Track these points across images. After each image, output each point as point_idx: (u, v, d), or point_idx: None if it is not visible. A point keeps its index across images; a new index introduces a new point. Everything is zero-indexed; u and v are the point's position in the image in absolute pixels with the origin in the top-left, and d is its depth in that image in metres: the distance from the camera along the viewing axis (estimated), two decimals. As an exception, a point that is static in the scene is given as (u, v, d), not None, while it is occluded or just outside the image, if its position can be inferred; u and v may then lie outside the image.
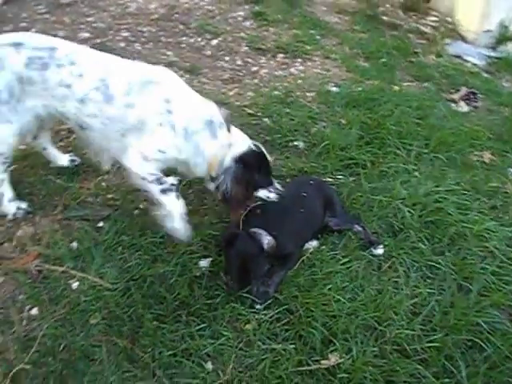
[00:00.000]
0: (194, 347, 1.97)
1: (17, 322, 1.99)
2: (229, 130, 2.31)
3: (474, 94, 4.54)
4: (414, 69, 4.84)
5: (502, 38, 6.04)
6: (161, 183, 2.26)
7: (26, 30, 4.10)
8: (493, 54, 5.90)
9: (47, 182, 2.65)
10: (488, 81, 5.06)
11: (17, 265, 2.21)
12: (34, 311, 2.05)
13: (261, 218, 2.34)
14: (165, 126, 2.18)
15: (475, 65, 5.53)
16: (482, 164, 3.41)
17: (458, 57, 5.67)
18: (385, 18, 5.83)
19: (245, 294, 2.15)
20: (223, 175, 2.29)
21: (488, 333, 2.15)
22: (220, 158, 2.28)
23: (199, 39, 4.47)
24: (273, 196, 2.41)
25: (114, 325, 2.01)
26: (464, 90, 4.59)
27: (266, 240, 2.20)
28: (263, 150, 2.42)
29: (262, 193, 2.40)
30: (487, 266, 2.49)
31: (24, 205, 2.46)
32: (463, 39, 6.07)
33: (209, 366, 1.94)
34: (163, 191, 2.26)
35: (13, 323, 1.99)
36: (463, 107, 4.39)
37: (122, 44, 4.20)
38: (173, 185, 2.27)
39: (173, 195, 2.28)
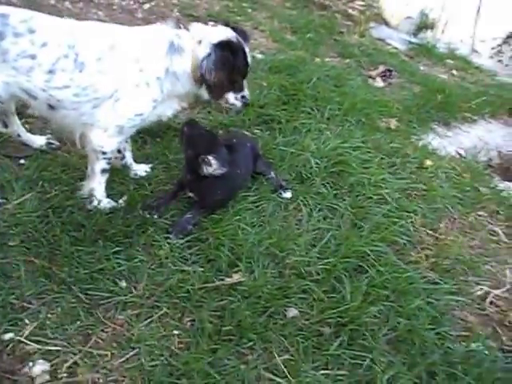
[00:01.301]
0: (109, 267, 2.15)
1: None
2: (187, 29, 2.30)
3: (389, 71, 4.94)
4: (338, 46, 5.18)
5: (422, 26, 6.56)
6: (108, 163, 2.35)
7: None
8: (413, 39, 6.40)
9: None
10: (405, 62, 5.51)
11: None
12: (-48, 235, 2.14)
13: None
14: (141, 86, 2.19)
15: (396, 48, 5.99)
16: (387, 129, 3.79)
17: (382, 40, 6.11)
18: (315, -2, 6.15)
19: (159, 222, 2.36)
20: (204, 61, 2.23)
21: (373, 260, 2.50)
22: (197, 56, 2.24)
23: (131, 2, 4.55)
24: (238, 105, 2.47)
25: (32, 247, 2.14)
26: (381, 68, 4.99)
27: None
28: (243, 44, 2.37)
29: (231, 96, 2.44)
30: (380, 209, 2.85)
31: None
32: (387, 24, 6.54)
33: (123, 283, 2.13)
34: (103, 171, 2.36)
35: None
36: (379, 83, 4.79)
37: (52, 1, 4.19)
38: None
39: (106, 176, 2.40)
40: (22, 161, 2.54)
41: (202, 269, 2.26)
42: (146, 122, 2.35)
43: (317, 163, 3.02)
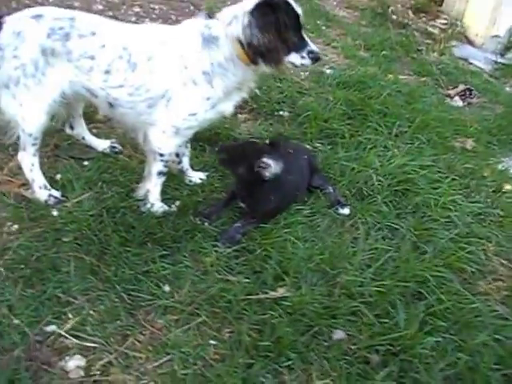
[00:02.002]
0: (154, 270, 2.15)
1: (-3, 234, 2.19)
2: (210, 17, 2.21)
3: (470, 90, 4.64)
4: (414, 64, 4.95)
5: (510, 45, 6.13)
6: (165, 166, 2.37)
7: (41, 4, 4.38)
8: (500, 59, 5.99)
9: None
10: (488, 82, 5.15)
11: (5, 189, 2.41)
12: (15, 227, 2.26)
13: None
14: (188, 84, 2.17)
15: (480, 68, 5.62)
16: (462, 150, 3.52)
17: (464, 59, 5.77)
18: (394, 16, 5.97)
19: (209, 229, 2.34)
20: (247, 30, 2.07)
21: (434, 286, 2.28)
22: (237, 34, 2.10)
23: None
24: (308, 63, 2.23)
25: (83, 244, 2.20)
26: (461, 87, 4.70)
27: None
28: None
29: (294, 57, 2.20)
30: (447, 233, 2.62)
31: (56, 193, 2.42)
32: (471, 43, 6.18)
33: (166, 287, 2.11)
34: (160, 173, 2.38)
35: (-7, 235, 2.19)
36: (458, 102, 4.50)
37: (133, 18, 4.44)
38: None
39: (163, 179, 2.41)
40: (85, 162, 2.65)
41: (247, 280, 2.18)
42: (206, 121, 2.32)
43: (379, 180, 2.85)
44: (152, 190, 2.40)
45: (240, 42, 2.11)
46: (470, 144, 3.62)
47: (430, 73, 4.82)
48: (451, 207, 2.80)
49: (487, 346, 2.06)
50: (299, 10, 2.17)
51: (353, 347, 1.99)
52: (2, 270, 2.04)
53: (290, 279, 2.20)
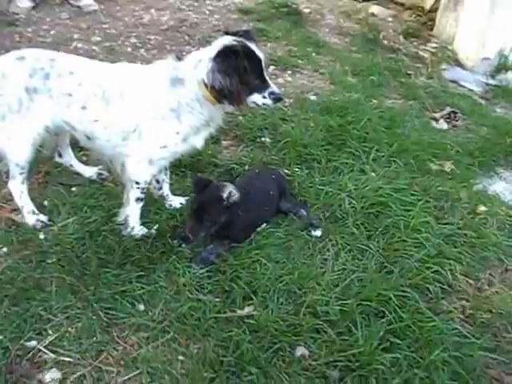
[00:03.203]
0: (130, 290, 2.30)
1: (-14, 257, 2.37)
2: (179, 59, 2.38)
3: (455, 113, 4.77)
4: (402, 88, 5.10)
5: (501, 67, 6.26)
6: (142, 193, 2.54)
7: (47, 31, 4.67)
8: (491, 81, 6.12)
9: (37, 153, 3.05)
10: (476, 104, 5.27)
11: (-4, 214, 2.61)
12: (3, 250, 2.44)
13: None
14: (157, 119, 2.36)
15: (471, 90, 5.76)
16: (440, 172, 3.64)
17: (455, 82, 5.92)
18: (385, 41, 6.16)
19: (185, 250, 2.50)
20: (209, 74, 2.25)
21: (397, 306, 2.39)
22: (201, 76, 2.27)
23: (201, 49, 4.90)
24: (269, 103, 2.39)
25: (66, 265, 2.37)
26: (447, 110, 4.84)
27: (228, 190, 2.43)
28: (250, 44, 2.32)
29: (256, 97, 2.36)
30: (415, 254, 2.73)
31: (44, 218, 2.60)
32: (461, 66, 6.33)
33: (141, 306, 2.27)
34: (138, 199, 2.55)
35: (-17, 257, 2.37)
36: (442, 125, 4.63)
37: (129, 49, 4.68)
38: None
39: (140, 204, 2.58)
40: (73, 188, 2.84)
41: (217, 299, 2.33)
42: (177, 153, 2.51)
43: (352, 203, 2.99)
44: (131, 214, 2.57)
45: (205, 84, 2.30)
46: (448, 166, 3.72)
47: (417, 96, 4.95)
48: (422, 229, 2.91)
49: (445, 363, 2.17)
50: (261, 55, 2.35)
51: (313, 363, 2.12)
52: (-11, 290, 2.21)
53: (258, 298, 2.33)
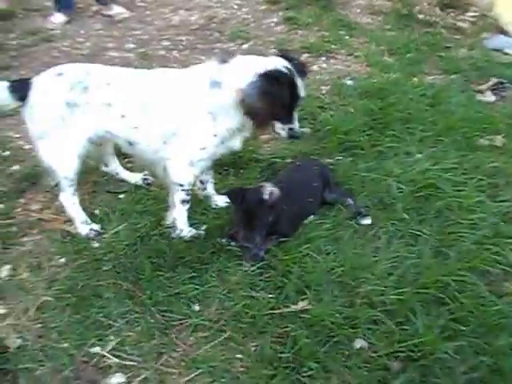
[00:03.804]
0: (184, 291, 2.33)
1: (47, 268, 2.47)
2: (224, 61, 2.34)
3: (501, 83, 4.52)
4: (443, 62, 4.89)
5: (547, 29, 5.89)
6: (187, 194, 2.55)
7: (82, 44, 4.79)
8: (538, 44, 5.77)
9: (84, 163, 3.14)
10: (524, 71, 4.99)
11: (52, 226, 2.71)
12: (61, 260, 2.53)
13: None
14: (196, 125, 2.37)
15: (517, 57, 5.45)
16: (491, 148, 3.47)
17: (498, 50, 5.62)
18: (420, 16, 5.93)
19: (234, 249, 2.52)
20: (247, 88, 2.25)
21: (457, 291, 2.31)
22: (239, 86, 2.26)
23: (232, 44, 4.90)
24: (284, 136, 2.44)
25: (121, 271, 2.43)
26: (492, 81, 4.60)
27: (267, 191, 2.45)
28: (297, 78, 2.34)
29: (278, 125, 2.43)
30: (471, 236, 2.62)
31: (96, 227, 2.67)
32: (504, 33, 6.00)
33: (196, 307, 2.29)
34: (183, 201, 2.56)
35: (44, 268, 2.48)
36: (489, 97, 4.41)
37: (162, 52, 4.74)
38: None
39: (187, 206, 2.58)
40: (120, 195, 2.91)
41: (270, 295, 2.32)
42: (216, 155, 2.51)
43: (400, 188, 2.90)
44: (178, 217, 2.59)
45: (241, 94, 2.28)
46: (499, 141, 3.54)
47: (460, 69, 4.73)
48: (476, 209, 2.79)
49: (512, 348, 2.08)
50: (302, 94, 2.36)
51: (373, 355, 2.07)
52: (52, 299, 2.30)
53: (311, 292, 2.31)
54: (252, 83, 2.24)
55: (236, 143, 2.51)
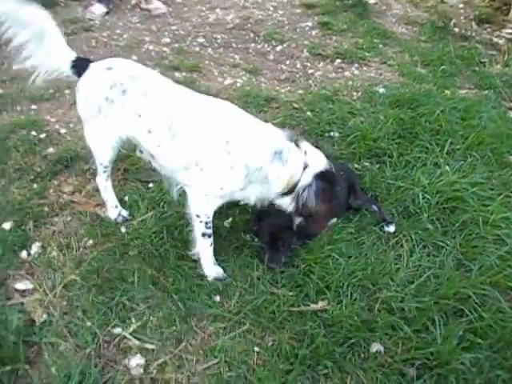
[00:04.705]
0: (206, 282, 2.38)
1: (75, 248, 2.55)
2: (298, 146, 2.30)
3: (535, 102, 4.49)
4: (476, 77, 4.86)
5: None
6: (207, 228, 2.37)
7: (120, 35, 4.90)
8: None
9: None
10: (559, 91, 4.93)
11: (82, 208, 2.79)
12: (90, 242, 2.60)
13: None
14: (224, 166, 2.24)
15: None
16: (521, 165, 3.44)
17: (535, 69, 5.56)
18: (456, 29, 5.89)
19: (256, 245, 2.56)
20: (304, 191, 2.30)
21: (476, 304, 2.31)
22: (295, 179, 2.29)
23: (266, 45, 4.95)
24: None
25: (146, 257, 2.49)
26: (526, 99, 4.56)
27: (297, 221, 2.49)
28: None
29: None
30: (495, 251, 2.61)
31: (125, 213, 2.72)
32: (542, 52, 5.92)
33: (216, 298, 2.34)
34: (203, 234, 2.39)
35: (72, 248, 2.55)
36: (522, 115, 4.37)
37: (197, 48, 4.81)
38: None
39: (209, 241, 2.41)
40: (150, 185, 2.97)
41: (290, 293, 2.35)
42: (233, 197, 2.38)
43: (426, 198, 2.90)
44: (202, 253, 2.43)
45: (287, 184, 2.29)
46: (529, 159, 3.53)
47: (493, 85, 4.70)
48: (502, 225, 2.78)
49: (531, 366, 2.07)
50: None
51: (389, 359, 2.10)
52: (78, 279, 2.37)
53: (331, 293, 2.34)
54: (310, 185, 2.29)
55: (252, 197, 2.39)
